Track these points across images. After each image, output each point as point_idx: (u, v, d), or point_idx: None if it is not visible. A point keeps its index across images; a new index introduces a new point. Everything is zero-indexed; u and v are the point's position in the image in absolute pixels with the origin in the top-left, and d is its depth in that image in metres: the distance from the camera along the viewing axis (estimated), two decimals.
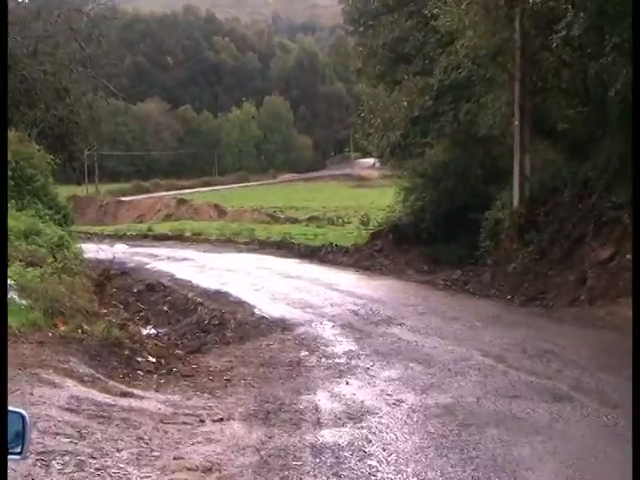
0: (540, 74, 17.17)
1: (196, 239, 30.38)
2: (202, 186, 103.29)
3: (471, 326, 12.33)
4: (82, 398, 7.34)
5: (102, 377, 8.54)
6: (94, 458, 5.88)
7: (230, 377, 9.52)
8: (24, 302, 10.21)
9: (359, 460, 6.37)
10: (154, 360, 10.08)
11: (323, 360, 10.38)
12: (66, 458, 5.74)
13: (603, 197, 15.13)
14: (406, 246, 21.91)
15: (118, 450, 6.17)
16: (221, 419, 7.51)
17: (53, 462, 5.63)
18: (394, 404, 8.11)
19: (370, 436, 7.05)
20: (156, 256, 24.64)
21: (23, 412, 2.94)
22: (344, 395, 8.54)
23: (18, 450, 2.90)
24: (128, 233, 34.60)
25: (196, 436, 6.89)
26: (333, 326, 12.72)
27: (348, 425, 7.42)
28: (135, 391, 8.32)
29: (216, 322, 13.64)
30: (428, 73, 20.45)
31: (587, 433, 7.07)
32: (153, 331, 13.63)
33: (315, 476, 6.03)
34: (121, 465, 5.89)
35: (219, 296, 16.18)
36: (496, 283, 16.28)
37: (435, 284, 17.35)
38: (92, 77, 27.14)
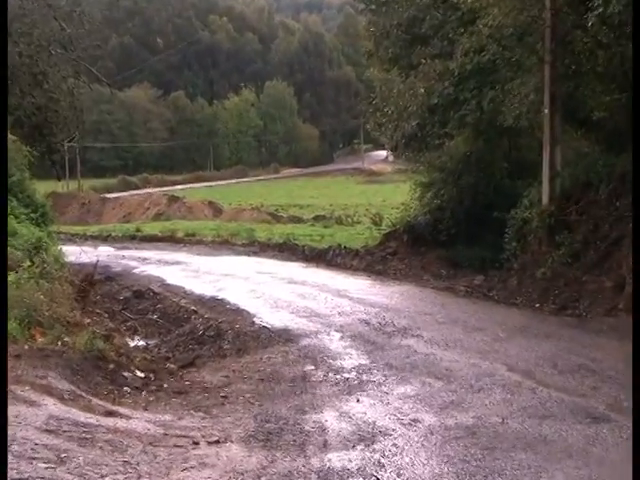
0: (573, 56, 17.10)
1: (189, 240, 30.43)
2: (196, 182, 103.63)
3: (495, 337, 12.29)
4: (62, 418, 7.32)
5: (84, 394, 8.53)
6: None
7: (227, 394, 9.52)
8: None
9: None
10: (142, 375, 10.09)
11: (331, 375, 10.37)
12: None
13: None
14: (423, 248, 21.87)
15: (102, 476, 6.15)
16: (217, 441, 7.50)
17: None
18: (410, 424, 8.09)
19: (383, 460, 7.04)
20: (145, 259, 24.67)
21: None
22: (354, 414, 8.53)
23: None
24: (114, 234, 34.67)
25: (189, 460, 6.88)
26: (342, 337, 12.71)
27: (358, 448, 7.41)
28: (121, 410, 8.32)
29: (212, 333, 13.64)
30: (448, 56, 20.40)
31: (626, 458, 7.01)
32: (141, 343, 13.66)
33: None
34: None
35: (215, 304, 16.19)
36: (523, 290, 16.25)
37: (455, 291, 17.32)
38: (73, 60, 27.11)
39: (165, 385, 9.91)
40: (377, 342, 12.26)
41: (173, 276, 20.43)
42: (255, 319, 14.26)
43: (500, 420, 8.10)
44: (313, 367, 10.85)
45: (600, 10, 13.59)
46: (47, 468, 6.04)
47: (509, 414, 8.29)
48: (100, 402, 8.43)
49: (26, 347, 9.50)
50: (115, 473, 6.30)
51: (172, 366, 11.37)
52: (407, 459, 7.07)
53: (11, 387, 7.84)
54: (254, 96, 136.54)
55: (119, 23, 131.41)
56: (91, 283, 16.63)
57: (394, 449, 7.34)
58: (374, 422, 8.18)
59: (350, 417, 8.42)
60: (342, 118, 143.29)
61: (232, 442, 7.53)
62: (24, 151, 19.15)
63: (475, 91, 19.67)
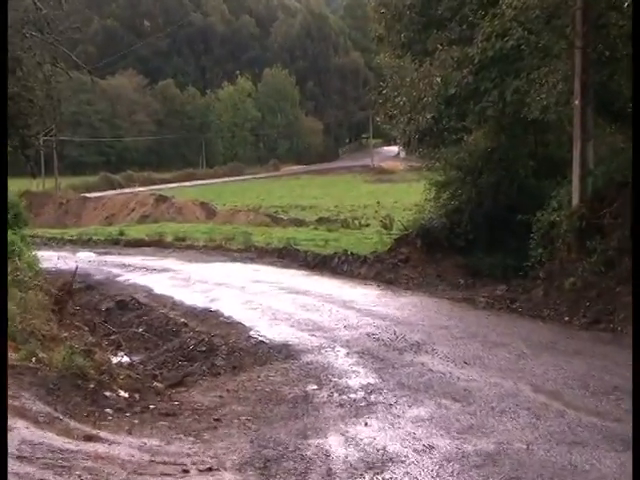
0: (607, 41, 17.11)
1: (179, 245, 30.45)
2: (186, 180, 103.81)
3: (519, 354, 12.29)
4: (37, 443, 7.33)
5: (62, 416, 8.54)
6: None
7: (220, 416, 9.53)
8: None
9: None
10: (126, 395, 10.09)
11: (336, 395, 10.38)
12: None
13: None
14: (438, 255, 21.87)
15: None
16: (209, 469, 7.50)
17: None
18: (423, 451, 8.09)
19: None
20: (129, 266, 24.70)
21: None
22: (361, 439, 8.53)
23: None
24: (95, 238, 34.70)
25: None
26: (348, 353, 12.72)
27: (366, 477, 7.41)
28: (102, 434, 8.32)
29: (203, 348, 13.66)
30: (467, 41, 20.35)
31: None
32: (125, 359, 13.64)
33: None
34: None
35: (207, 316, 16.22)
36: (550, 301, 16.24)
37: (474, 302, 17.32)
38: (50, 44, 27.14)
39: (151, 406, 9.90)
40: (387, 359, 12.26)
41: (161, 285, 20.46)
42: (252, 333, 14.28)
43: (524, 446, 8.09)
44: (316, 386, 10.86)
45: None
46: None
47: (534, 440, 8.28)
48: (79, 425, 8.44)
49: None
50: None
51: (159, 385, 11.37)
52: None
53: None
54: (251, 85, 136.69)
55: (102, 3, 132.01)
56: (69, 292, 16.65)
57: (406, 479, 7.33)
58: (384, 448, 8.18)
59: (357, 442, 8.42)
60: (349, 110, 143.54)
61: (226, 470, 7.53)
62: None
63: (497, 80, 19.65)
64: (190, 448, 8.20)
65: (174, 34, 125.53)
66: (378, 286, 20.10)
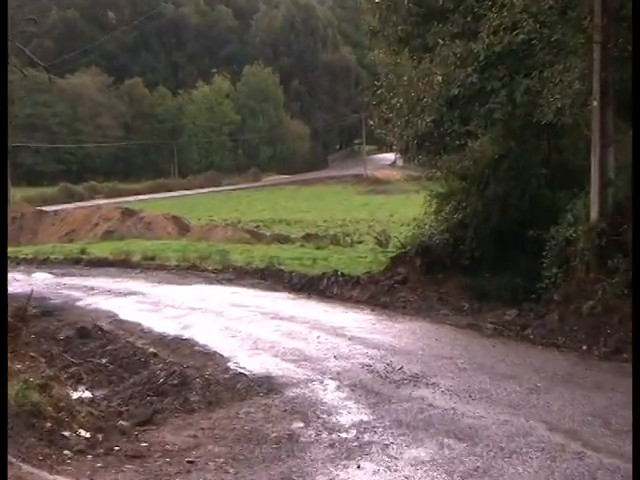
0: (629, 35, 17.20)
1: (148, 265, 30.38)
2: (157, 191, 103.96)
3: (532, 388, 12.30)
4: None
5: (14, 460, 8.49)
6: None
7: (195, 458, 9.50)
8: None
9: None
10: (88, 435, 10.05)
11: (324, 435, 10.37)
12: None
13: None
14: (440, 275, 21.89)
15: None
16: None
17: None
18: None
19: None
20: (92, 289, 24.66)
21: None
22: None
23: None
24: (53, 257, 34.62)
25: None
26: (338, 387, 12.71)
27: None
28: (61, 479, 8.28)
29: (175, 381, 13.60)
30: (472, 35, 20.43)
31: None
32: (87, 394, 13.58)
33: None
34: None
35: (180, 345, 16.21)
36: (567, 327, 16.23)
37: (481, 328, 17.32)
38: None
39: (116, 447, 9.87)
40: (383, 393, 12.25)
41: (127, 310, 20.44)
42: (230, 364, 14.27)
43: None
44: (302, 424, 10.85)
45: None
46: None
47: None
48: (34, 470, 8.40)
49: None
50: None
51: (125, 423, 11.32)
52: None
53: None
54: (229, 85, 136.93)
55: None
56: (23, 319, 16.58)
57: None
58: None
59: None
60: (339, 112, 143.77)
61: None
62: None
63: (506, 79, 19.73)
64: None
65: (142, 27, 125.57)
66: (372, 310, 20.08)
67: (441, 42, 21.04)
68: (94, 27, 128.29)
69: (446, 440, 9.83)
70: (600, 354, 14.72)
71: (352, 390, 12.48)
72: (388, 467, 9.02)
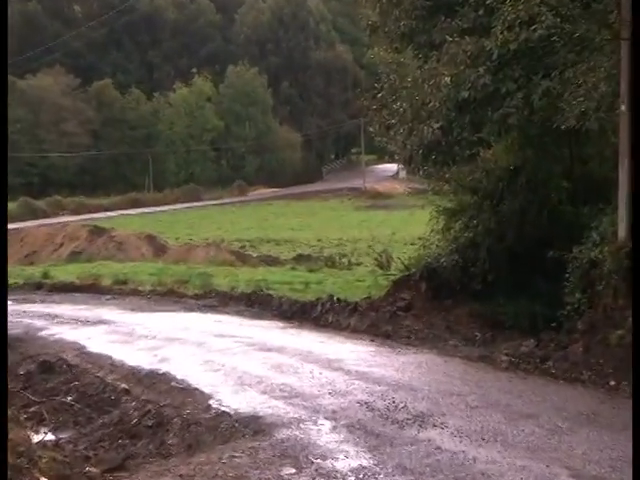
0: None
1: (120, 290, 30.40)
2: (129, 207, 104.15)
3: (553, 428, 12.25)
4: None
5: None
6: None
7: None
8: None
9: None
10: None
11: None
12: None
13: None
14: (448, 301, 21.89)
15: None
16: None
17: None
18: None
19: None
20: (56, 317, 24.64)
21: None
22: None
23: None
24: (11, 281, 34.46)
25: None
26: (334, 427, 12.63)
27: None
28: None
29: (150, 422, 13.56)
30: (484, 31, 20.46)
31: None
32: (50, 437, 13.54)
33: None
34: None
35: (155, 380, 16.11)
36: (592, 360, 16.19)
37: (494, 361, 17.28)
38: None
39: None
40: (384, 434, 12.18)
41: (96, 341, 20.39)
42: (212, 402, 14.18)
43: None
44: (294, 470, 10.75)
45: None
46: None
47: None
48: None
49: None
50: None
51: (93, 470, 11.27)
52: None
53: None
54: (211, 87, 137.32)
55: None
56: None
57: None
58: None
59: None
60: (335, 118, 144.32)
61: None
62: None
63: (522, 80, 19.69)
64: None
65: (112, 22, 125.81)
66: (372, 341, 20.03)
67: (449, 39, 20.97)
68: (58, 22, 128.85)
69: None
70: (630, 390, 14.67)
71: (350, 431, 12.40)
72: None
